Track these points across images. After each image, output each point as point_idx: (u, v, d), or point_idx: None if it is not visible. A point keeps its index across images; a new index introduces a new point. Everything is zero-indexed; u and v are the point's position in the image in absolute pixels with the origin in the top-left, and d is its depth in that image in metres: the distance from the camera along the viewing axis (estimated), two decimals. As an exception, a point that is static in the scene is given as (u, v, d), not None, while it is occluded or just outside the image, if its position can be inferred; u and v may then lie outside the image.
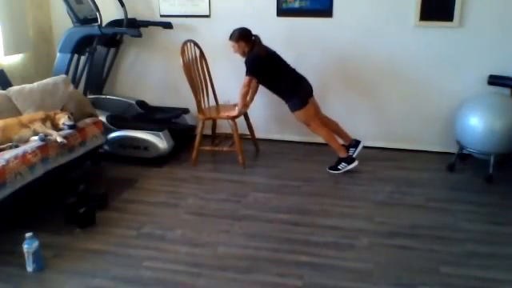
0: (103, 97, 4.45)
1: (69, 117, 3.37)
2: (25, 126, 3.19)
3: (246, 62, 3.74)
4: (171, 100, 4.63)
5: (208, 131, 4.27)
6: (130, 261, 2.63)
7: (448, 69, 4.01)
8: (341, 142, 3.90)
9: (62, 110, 3.49)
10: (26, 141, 3.13)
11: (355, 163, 3.75)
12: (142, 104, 4.49)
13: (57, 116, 3.36)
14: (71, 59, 4.05)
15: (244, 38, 3.72)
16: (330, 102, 4.30)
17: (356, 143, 3.88)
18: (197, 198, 3.40)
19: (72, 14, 3.95)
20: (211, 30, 4.36)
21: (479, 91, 3.92)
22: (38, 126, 3.21)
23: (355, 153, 3.84)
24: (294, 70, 3.81)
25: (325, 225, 3.00)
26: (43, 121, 3.27)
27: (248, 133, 4.23)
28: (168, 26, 4.38)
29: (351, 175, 3.74)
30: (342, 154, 3.79)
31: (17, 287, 2.42)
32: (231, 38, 3.75)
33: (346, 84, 4.25)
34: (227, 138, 4.31)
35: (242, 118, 4.07)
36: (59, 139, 3.18)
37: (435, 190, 3.50)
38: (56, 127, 3.33)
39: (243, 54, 3.76)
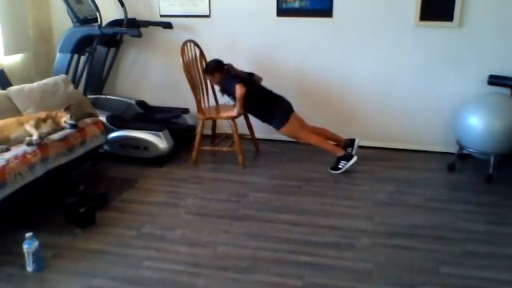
0: (103, 97, 4.44)
1: (71, 116, 3.36)
2: (22, 124, 3.16)
3: (225, 86, 3.87)
4: (171, 100, 4.62)
5: (208, 131, 4.27)
6: (130, 261, 2.63)
7: (448, 69, 4.01)
8: None
9: (65, 110, 3.47)
10: (22, 141, 3.09)
11: (354, 159, 3.75)
12: (142, 104, 4.48)
13: (58, 115, 3.35)
14: (71, 59, 4.05)
15: (217, 68, 3.87)
16: (330, 101, 4.30)
17: (351, 142, 3.92)
18: (197, 197, 3.40)
19: (72, 14, 3.95)
20: (211, 30, 4.36)
21: (479, 91, 3.92)
22: (28, 124, 3.13)
23: (353, 150, 3.87)
24: (270, 91, 3.90)
25: (325, 225, 3.01)
26: (40, 120, 3.21)
27: (248, 133, 4.23)
28: (168, 26, 4.38)
29: (351, 175, 3.74)
30: (339, 153, 3.81)
31: (17, 287, 2.43)
32: (206, 72, 3.93)
33: (346, 83, 4.25)
34: (227, 137, 4.31)
35: (242, 117, 4.07)
36: (34, 137, 3.06)
37: (435, 190, 3.50)
38: (58, 126, 3.33)
39: (219, 83, 3.92)
